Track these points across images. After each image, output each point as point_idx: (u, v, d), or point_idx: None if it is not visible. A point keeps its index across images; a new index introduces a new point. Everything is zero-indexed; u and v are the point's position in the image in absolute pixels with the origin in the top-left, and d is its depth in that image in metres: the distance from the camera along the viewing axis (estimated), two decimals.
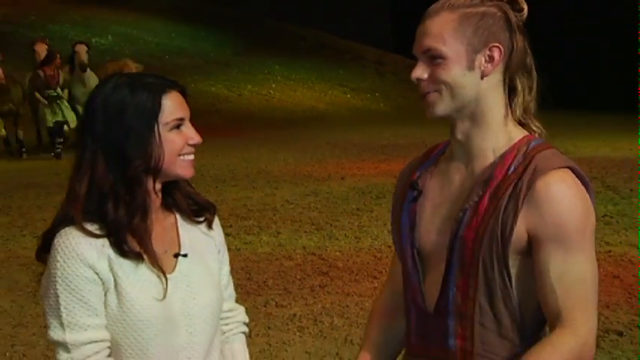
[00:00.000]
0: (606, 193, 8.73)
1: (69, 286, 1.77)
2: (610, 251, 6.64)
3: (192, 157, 1.87)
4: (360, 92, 23.04)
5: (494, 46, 1.70)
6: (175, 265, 1.89)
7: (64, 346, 1.77)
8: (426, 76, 1.73)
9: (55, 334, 1.78)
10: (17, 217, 8.16)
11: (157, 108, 1.81)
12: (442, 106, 1.73)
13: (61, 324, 1.77)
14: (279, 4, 29.36)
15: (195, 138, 1.87)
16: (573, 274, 1.67)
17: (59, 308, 1.77)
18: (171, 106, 1.83)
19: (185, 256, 1.91)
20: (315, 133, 15.30)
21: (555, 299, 1.67)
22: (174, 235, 1.93)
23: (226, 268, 2.07)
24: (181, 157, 1.85)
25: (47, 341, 1.82)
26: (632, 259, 6.45)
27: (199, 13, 26.77)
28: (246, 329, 2.15)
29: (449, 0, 1.74)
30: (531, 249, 1.69)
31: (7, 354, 4.81)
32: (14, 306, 5.61)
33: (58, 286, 1.77)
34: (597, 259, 5.84)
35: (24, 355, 4.80)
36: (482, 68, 1.71)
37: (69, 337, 1.77)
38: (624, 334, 4.93)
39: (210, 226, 2.01)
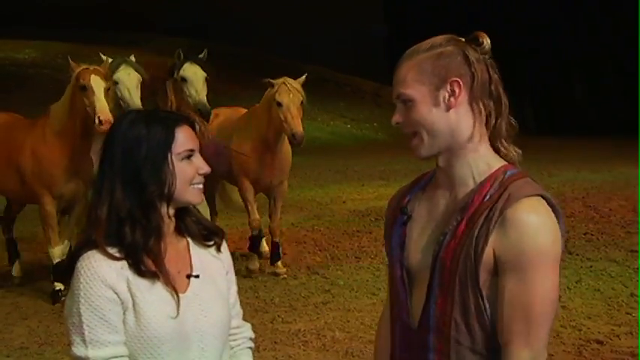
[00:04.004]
0: (587, 212, 8.69)
1: (91, 305, 1.79)
2: (591, 266, 6.61)
3: (201, 185, 1.91)
4: (360, 122, 23.09)
5: (453, 81, 1.74)
6: (188, 286, 1.91)
7: None
8: (401, 120, 1.80)
9: (78, 350, 1.80)
10: (44, 244, 8.12)
11: (170, 139, 1.85)
12: (424, 148, 1.79)
13: (84, 341, 1.79)
14: (285, 42, 29.57)
15: (204, 168, 1.90)
16: (522, 301, 1.67)
17: (82, 326, 1.79)
18: (183, 137, 1.87)
19: (197, 277, 1.93)
20: (317, 161, 15.28)
21: (502, 322, 1.69)
22: (186, 258, 1.95)
23: (234, 287, 2.09)
24: (192, 186, 1.88)
25: (71, 357, 1.83)
26: (612, 273, 6.43)
27: (211, 52, 26.83)
28: (252, 344, 2.15)
29: (412, 49, 1.80)
30: (497, 270, 1.71)
31: None
32: (41, 326, 5.60)
33: (81, 306, 1.79)
34: (579, 274, 5.78)
35: None
36: (447, 102, 1.75)
37: (91, 352, 1.79)
38: (604, 343, 4.90)
39: (219, 250, 2.03)
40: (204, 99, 6.39)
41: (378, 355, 2.01)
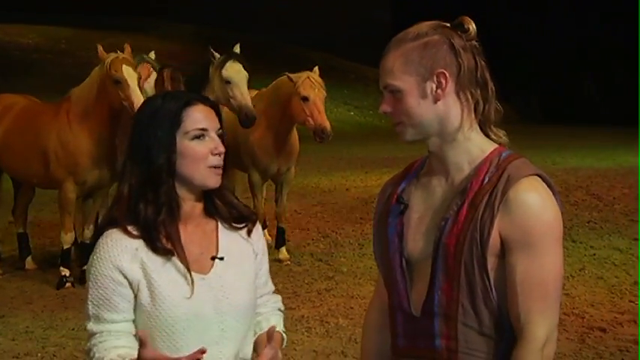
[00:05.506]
0: (591, 200, 8.67)
1: (96, 283, 1.85)
2: (594, 254, 6.62)
3: (217, 167, 1.89)
4: (364, 109, 23.05)
5: (440, 72, 1.74)
6: (212, 267, 1.92)
7: (88, 333, 1.89)
8: (390, 109, 1.79)
9: (85, 321, 1.91)
10: (48, 229, 8.15)
11: (179, 116, 1.86)
12: (408, 135, 1.81)
13: (88, 313, 1.88)
14: (291, 30, 29.48)
15: (218, 148, 1.89)
16: (536, 278, 1.69)
17: (87, 300, 1.88)
18: (195, 116, 1.87)
19: (221, 259, 1.93)
20: (321, 148, 15.20)
21: (517, 302, 1.69)
22: (213, 239, 1.95)
23: (265, 266, 2.08)
24: (206, 166, 1.87)
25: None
26: (615, 261, 6.43)
27: (217, 38, 26.79)
28: (282, 314, 2.14)
29: (398, 37, 1.79)
30: (505, 252, 1.71)
31: (39, 354, 4.83)
32: (45, 310, 5.63)
33: (90, 282, 1.88)
34: (582, 262, 5.81)
35: (54, 355, 4.82)
36: (434, 94, 1.75)
37: (89, 325, 1.88)
38: (607, 330, 4.92)
39: (249, 234, 2.02)
40: (250, 103, 5.93)
41: (367, 347, 2.04)
